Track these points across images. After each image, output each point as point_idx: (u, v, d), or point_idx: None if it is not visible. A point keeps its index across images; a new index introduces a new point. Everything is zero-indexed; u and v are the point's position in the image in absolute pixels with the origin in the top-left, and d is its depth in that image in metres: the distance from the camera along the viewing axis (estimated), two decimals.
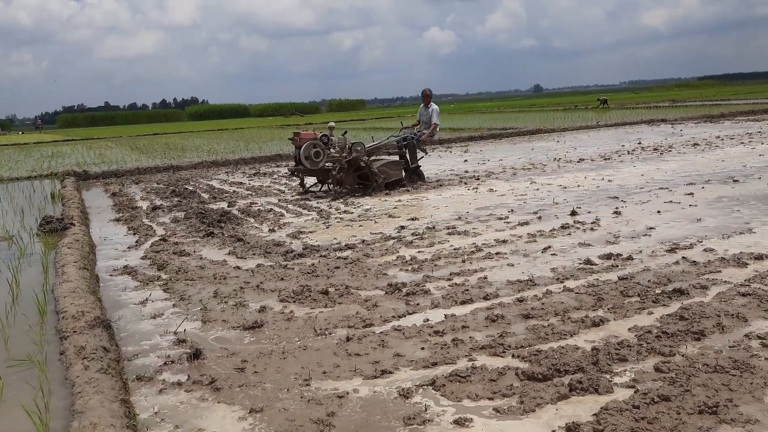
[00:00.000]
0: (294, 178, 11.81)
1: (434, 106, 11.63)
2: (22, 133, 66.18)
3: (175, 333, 4.40)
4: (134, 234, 8.20)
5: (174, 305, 5.07)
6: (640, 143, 16.47)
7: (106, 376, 3.46)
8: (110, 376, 3.47)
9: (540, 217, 7.69)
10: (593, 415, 2.95)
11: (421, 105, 11.96)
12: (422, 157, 11.88)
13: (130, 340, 4.35)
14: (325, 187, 11.00)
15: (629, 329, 3.99)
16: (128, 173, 16.16)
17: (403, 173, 10.94)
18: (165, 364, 3.89)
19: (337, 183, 10.49)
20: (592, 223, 7.17)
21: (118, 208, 10.51)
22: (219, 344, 4.18)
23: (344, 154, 10.29)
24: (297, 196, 10.63)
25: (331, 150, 10.43)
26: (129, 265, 6.45)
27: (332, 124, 11.04)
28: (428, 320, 4.36)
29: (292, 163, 12.47)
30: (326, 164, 10.48)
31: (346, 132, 11.11)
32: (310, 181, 11.32)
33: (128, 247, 7.41)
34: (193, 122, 74.46)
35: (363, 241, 6.96)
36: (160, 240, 7.58)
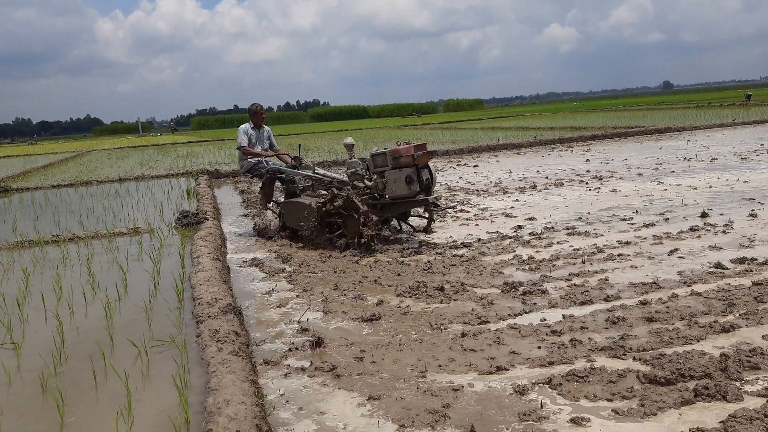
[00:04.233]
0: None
1: (269, 128, 8.79)
2: (161, 134, 71.46)
3: (299, 322, 4.64)
4: None
5: (297, 296, 5.34)
6: None
7: (237, 358, 3.72)
8: (241, 359, 3.73)
9: (667, 219, 7.35)
10: (720, 422, 2.83)
11: (248, 125, 8.50)
12: None
13: (257, 327, 4.64)
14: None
15: (763, 336, 3.76)
16: None
17: None
18: (289, 350, 4.11)
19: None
20: (724, 225, 6.76)
21: (246, 205, 11.13)
22: (339, 334, 4.37)
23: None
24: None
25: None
26: (257, 257, 6.84)
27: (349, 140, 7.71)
28: (545, 320, 4.32)
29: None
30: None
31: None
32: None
33: (256, 241, 7.85)
34: (315, 123, 77.00)
35: (479, 239, 6.97)
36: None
